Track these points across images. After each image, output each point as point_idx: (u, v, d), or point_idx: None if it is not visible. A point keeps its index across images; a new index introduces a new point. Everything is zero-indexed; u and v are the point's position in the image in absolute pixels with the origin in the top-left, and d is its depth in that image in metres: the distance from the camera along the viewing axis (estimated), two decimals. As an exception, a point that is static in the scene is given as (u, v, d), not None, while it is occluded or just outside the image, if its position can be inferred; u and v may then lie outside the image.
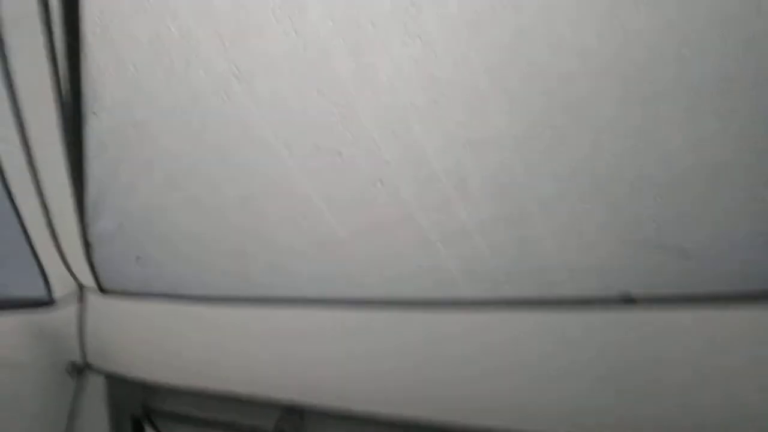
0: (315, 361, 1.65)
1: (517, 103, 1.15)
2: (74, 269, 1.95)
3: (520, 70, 1.11)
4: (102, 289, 1.97)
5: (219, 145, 1.41)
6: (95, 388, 2.17)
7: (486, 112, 1.18)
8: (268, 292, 1.64)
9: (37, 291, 1.97)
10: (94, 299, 2.04)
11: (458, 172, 1.28)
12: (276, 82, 1.25)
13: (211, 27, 1.22)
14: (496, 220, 1.32)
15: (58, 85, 1.43)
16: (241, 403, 1.88)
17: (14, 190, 1.69)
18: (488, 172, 1.25)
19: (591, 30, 1.04)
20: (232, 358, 1.81)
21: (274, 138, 1.35)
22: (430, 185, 1.32)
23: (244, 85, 1.28)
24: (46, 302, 2.00)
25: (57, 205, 1.75)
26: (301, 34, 1.17)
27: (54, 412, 2.09)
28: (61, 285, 2.01)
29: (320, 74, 1.21)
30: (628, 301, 1.33)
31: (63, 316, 2.05)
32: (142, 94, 1.38)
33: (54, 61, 1.39)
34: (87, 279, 1.97)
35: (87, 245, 1.80)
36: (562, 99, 1.13)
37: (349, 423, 1.69)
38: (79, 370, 2.15)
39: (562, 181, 1.22)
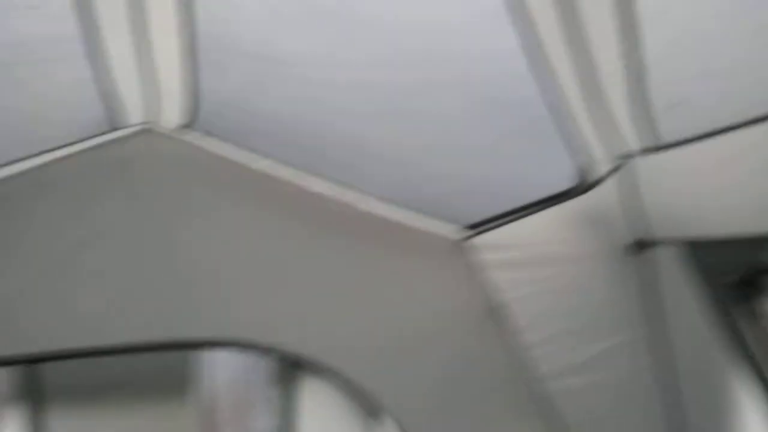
0: None
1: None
2: (613, 139, 1.60)
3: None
4: (650, 148, 1.59)
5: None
6: (665, 261, 1.84)
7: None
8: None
9: (567, 180, 1.75)
10: (640, 164, 1.67)
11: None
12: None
13: None
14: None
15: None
16: None
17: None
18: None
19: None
20: None
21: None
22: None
23: None
24: (584, 187, 1.74)
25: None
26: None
27: (621, 296, 1.90)
28: (594, 163, 1.70)
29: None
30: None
31: (605, 195, 1.77)
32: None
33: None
34: (627, 143, 1.62)
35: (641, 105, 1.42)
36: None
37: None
38: (640, 247, 1.84)
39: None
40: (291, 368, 3.64)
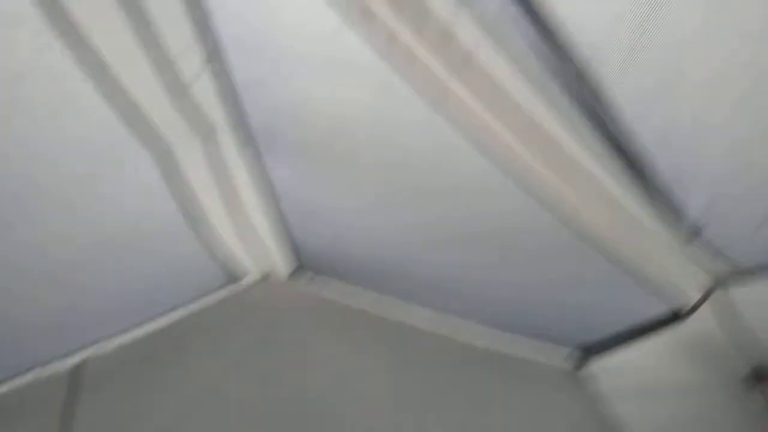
0: None
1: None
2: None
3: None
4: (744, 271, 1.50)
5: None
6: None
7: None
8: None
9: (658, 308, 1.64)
10: (738, 291, 1.55)
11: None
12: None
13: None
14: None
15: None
16: None
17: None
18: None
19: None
20: None
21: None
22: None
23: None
24: (677, 314, 1.64)
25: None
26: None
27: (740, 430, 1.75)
28: (687, 293, 1.61)
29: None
30: None
31: (701, 323, 1.63)
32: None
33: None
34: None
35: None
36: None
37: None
38: (760, 377, 1.70)
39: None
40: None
